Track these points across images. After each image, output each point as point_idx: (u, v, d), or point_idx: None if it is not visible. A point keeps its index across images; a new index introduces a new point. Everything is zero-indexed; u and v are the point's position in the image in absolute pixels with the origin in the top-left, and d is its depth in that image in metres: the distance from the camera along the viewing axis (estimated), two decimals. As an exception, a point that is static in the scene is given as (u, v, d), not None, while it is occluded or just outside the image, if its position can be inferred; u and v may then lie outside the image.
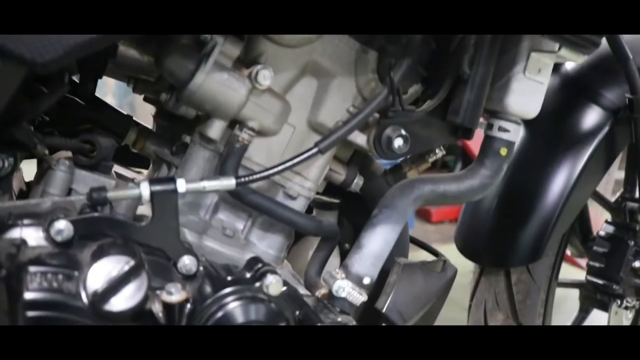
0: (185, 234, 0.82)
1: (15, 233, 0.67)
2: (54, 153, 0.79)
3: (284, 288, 0.78)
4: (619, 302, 1.27)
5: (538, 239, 1.14)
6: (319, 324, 0.74)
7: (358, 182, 0.95)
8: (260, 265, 0.73)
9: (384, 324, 0.82)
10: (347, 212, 1.06)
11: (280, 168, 0.76)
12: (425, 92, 0.89)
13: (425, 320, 0.93)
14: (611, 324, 1.31)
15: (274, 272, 0.71)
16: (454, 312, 1.32)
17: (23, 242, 0.65)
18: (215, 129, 0.80)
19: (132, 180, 0.86)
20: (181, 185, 0.70)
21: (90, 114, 0.87)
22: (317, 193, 1.04)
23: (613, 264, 1.25)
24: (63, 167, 0.74)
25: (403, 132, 0.85)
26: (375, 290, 0.88)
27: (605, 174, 1.20)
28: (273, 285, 0.69)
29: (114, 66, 0.87)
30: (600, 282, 1.28)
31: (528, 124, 1.19)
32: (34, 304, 0.60)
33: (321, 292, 0.84)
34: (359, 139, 0.87)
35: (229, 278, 0.71)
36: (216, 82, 0.76)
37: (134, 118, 0.94)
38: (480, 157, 0.92)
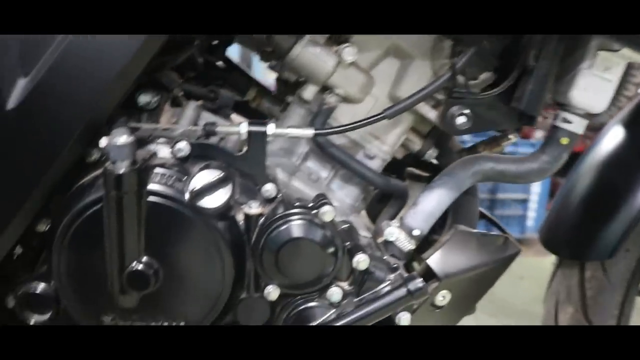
0: (278, 173, 1.03)
1: (151, 147, 0.94)
2: (190, 98, 1.04)
3: (346, 225, 0.96)
4: None
5: (614, 237, 1.17)
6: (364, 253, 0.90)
7: (431, 154, 1.09)
8: (322, 198, 0.91)
9: (424, 272, 0.96)
10: None
11: (350, 127, 0.94)
12: (497, 79, 1.01)
13: (472, 287, 1.03)
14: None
15: (330, 204, 0.89)
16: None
17: (154, 154, 0.91)
18: (309, 92, 1.00)
19: None
20: (271, 128, 0.91)
21: (220, 74, 1.13)
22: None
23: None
24: (191, 107, 1.00)
25: (467, 111, 0.97)
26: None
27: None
28: (326, 213, 0.88)
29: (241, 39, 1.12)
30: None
31: (625, 126, 1.23)
32: (153, 193, 0.86)
33: (381, 238, 1.00)
34: (431, 113, 1.01)
35: (296, 204, 0.91)
36: (310, 54, 0.96)
37: (257, 80, 1.18)
38: (544, 144, 1.01)
